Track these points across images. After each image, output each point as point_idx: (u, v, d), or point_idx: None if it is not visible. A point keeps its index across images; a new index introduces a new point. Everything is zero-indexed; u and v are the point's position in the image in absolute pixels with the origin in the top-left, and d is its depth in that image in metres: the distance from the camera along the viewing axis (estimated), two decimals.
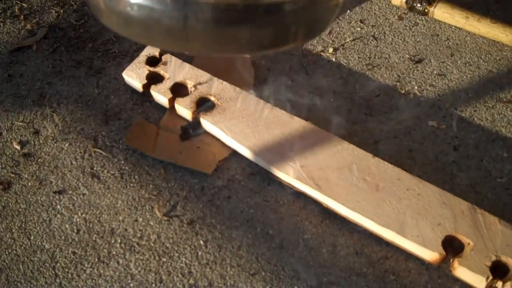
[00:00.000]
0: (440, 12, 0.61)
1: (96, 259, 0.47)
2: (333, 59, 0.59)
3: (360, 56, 0.59)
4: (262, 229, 0.49)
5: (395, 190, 0.48)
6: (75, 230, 0.49)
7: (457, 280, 0.45)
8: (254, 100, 0.54)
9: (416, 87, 0.57)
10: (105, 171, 0.52)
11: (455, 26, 0.62)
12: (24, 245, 0.48)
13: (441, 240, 0.45)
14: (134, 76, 0.56)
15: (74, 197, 0.51)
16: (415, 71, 0.58)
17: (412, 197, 0.47)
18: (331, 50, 0.59)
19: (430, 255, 0.45)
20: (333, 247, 0.47)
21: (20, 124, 0.56)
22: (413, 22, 0.62)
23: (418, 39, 0.61)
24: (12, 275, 0.47)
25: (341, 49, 0.60)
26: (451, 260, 0.45)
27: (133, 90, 0.57)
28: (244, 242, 0.48)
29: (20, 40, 0.63)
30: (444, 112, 0.55)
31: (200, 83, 0.55)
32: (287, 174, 0.49)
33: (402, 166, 0.50)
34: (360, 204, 0.47)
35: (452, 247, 0.46)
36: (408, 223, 0.46)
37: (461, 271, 0.45)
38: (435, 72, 0.58)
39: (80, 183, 0.52)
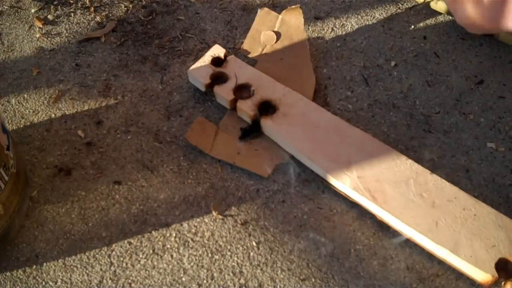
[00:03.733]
0: (505, 34, 0.61)
1: (151, 251, 0.49)
2: (395, 73, 0.59)
3: (421, 72, 0.58)
4: (315, 236, 0.49)
5: (451, 208, 0.48)
6: (132, 221, 0.50)
7: None
8: (314, 107, 0.55)
9: (476, 107, 0.56)
10: (164, 165, 0.54)
11: None
12: (82, 231, 0.50)
13: (494, 262, 0.45)
14: (198, 74, 0.57)
15: (133, 189, 0.52)
16: (476, 91, 0.58)
17: (468, 217, 0.47)
18: (393, 63, 0.59)
19: (482, 276, 0.45)
20: (384, 260, 0.48)
21: (85, 113, 0.58)
22: (477, 42, 0.62)
23: (481, 60, 0.60)
24: (69, 259, 0.48)
25: (402, 63, 0.60)
26: (503, 283, 0.45)
27: (195, 89, 0.59)
28: (296, 247, 0.49)
29: (89, 31, 0.65)
30: (504, 135, 0.54)
31: (262, 87, 0.56)
32: (343, 183, 0.49)
33: (458, 185, 0.50)
34: (415, 219, 0.47)
35: (505, 270, 0.46)
36: (462, 243, 0.46)
37: None
38: (496, 94, 0.57)
39: (139, 175, 0.53)
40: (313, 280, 0.47)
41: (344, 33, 0.63)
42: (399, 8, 0.65)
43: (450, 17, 0.63)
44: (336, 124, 0.53)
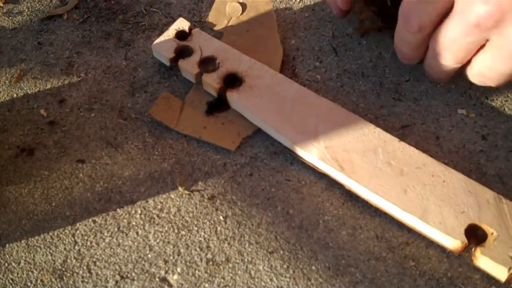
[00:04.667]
0: None
1: (116, 229, 0.48)
2: (364, 42, 0.58)
3: (391, 40, 0.57)
4: (283, 208, 0.48)
5: (420, 175, 0.47)
6: (97, 199, 0.49)
7: (478, 270, 0.45)
8: (281, 78, 0.54)
9: None
10: (129, 142, 0.52)
11: None
12: (45, 211, 0.49)
13: (464, 229, 0.44)
14: (162, 48, 0.56)
15: (97, 167, 0.51)
16: None
17: (437, 183, 0.47)
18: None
19: (452, 243, 0.44)
20: (353, 230, 0.47)
21: (48, 92, 0.56)
22: None
23: None
24: (32, 239, 0.47)
25: (372, 32, 0.58)
26: (473, 249, 0.45)
27: (160, 64, 0.57)
28: (264, 220, 0.48)
29: (51, 9, 0.63)
30: (475, 101, 0.53)
31: (228, 59, 0.54)
32: (310, 154, 0.49)
33: (428, 153, 0.49)
34: (383, 187, 0.46)
35: (475, 236, 0.45)
36: (431, 210, 0.45)
37: (483, 261, 0.44)
38: None
39: (103, 153, 0.52)
40: (281, 252, 0.46)
41: (312, 2, 0.62)
42: None
43: None
44: (304, 95, 0.52)
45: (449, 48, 0.45)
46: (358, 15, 0.57)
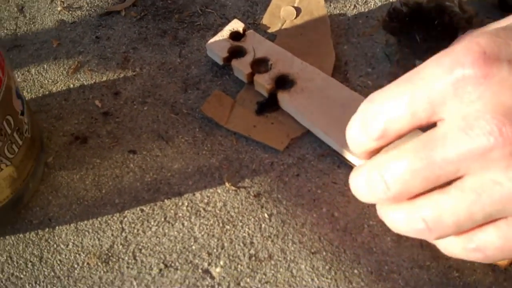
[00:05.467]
0: None
1: (163, 219, 0.48)
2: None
3: None
4: (328, 210, 0.48)
5: None
6: (145, 189, 0.50)
7: None
8: (332, 82, 0.54)
9: None
10: (180, 136, 0.53)
11: None
12: (95, 198, 0.50)
13: None
14: (216, 48, 0.57)
15: (148, 158, 0.52)
16: None
17: None
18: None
19: None
20: (398, 236, 0.47)
21: (103, 84, 0.58)
22: None
23: None
24: (81, 224, 0.49)
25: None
26: None
27: (213, 63, 0.58)
28: (308, 220, 0.48)
29: (110, 5, 0.65)
30: None
31: (280, 61, 0.55)
32: (358, 158, 0.49)
33: None
34: None
35: None
36: None
37: None
38: None
39: (154, 145, 0.53)
40: (324, 253, 0.46)
41: (367, 10, 0.62)
42: None
43: None
44: (354, 99, 0.53)
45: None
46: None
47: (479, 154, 0.27)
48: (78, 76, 0.59)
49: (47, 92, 0.58)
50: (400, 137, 0.31)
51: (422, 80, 0.29)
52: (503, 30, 0.29)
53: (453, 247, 0.32)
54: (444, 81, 0.28)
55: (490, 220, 0.29)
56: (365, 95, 0.54)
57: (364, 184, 0.32)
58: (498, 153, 0.27)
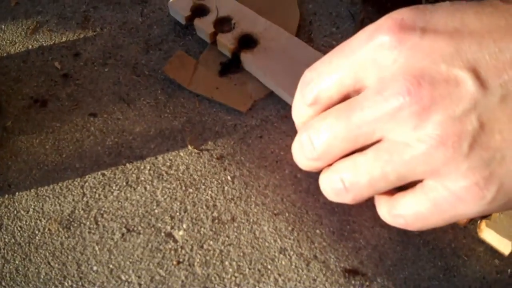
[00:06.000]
0: None
1: (124, 183, 0.48)
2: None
3: None
4: (291, 172, 0.48)
5: None
6: (107, 153, 0.50)
7: (482, 242, 0.45)
8: (297, 42, 0.53)
9: None
10: (141, 99, 0.53)
11: None
12: (55, 162, 0.49)
13: None
14: (179, 7, 0.55)
15: (109, 121, 0.51)
16: None
17: None
18: None
19: None
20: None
21: (63, 45, 0.56)
22: None
23: None
24: (42, 189, 0.48)
25: None
26: (479, 221, 0.45)
27: (176, 22, 0.57)
28: (271, 182, 0.48)
29: None
30: None
31: (243, 20, 0.54)
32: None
33: None
34: None
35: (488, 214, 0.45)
36: None
37: (487, 234, 0.44)
38: None
39: (115, 108, 0.52)
40: (286, 214, 0.46)
41: None
42: None
43: None
44: (318, 59, 0.52)
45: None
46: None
47: (391, 114, 0.29)
48: (37, 36, 0.57)
49: (5, 54, 0.56)
50: (333, 104, 0.33)
51: (349, 48, 0.31)
52: (429, 5, 0.30)
53: (382, 213, 0.34)
54: (365, 48, 0.30)
55: (406, 182, 0.31)
56: None
57: (297, 146, 0.34)
58: (406, 112, 0.28)
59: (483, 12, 0.29)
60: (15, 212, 0.47)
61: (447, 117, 0.28)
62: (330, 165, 0.34)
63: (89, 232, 0.46)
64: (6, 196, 0.48)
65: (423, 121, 0.28)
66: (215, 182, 0.48)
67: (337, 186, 0.33)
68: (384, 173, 0.30)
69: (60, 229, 0.46)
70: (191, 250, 0.45)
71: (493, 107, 0.28)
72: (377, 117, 0.29)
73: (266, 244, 0.45)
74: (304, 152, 0.34)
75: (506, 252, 0.43)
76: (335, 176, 0.33)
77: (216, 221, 0.46)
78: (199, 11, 0.56)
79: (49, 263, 0.44)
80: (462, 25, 0.29)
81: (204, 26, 0.54)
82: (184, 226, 0.46)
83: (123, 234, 0.46)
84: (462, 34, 0.29)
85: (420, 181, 0.31)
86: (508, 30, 0.28)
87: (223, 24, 0.55)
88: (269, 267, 0.44)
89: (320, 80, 0.33)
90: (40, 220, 0.46)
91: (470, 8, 0.29)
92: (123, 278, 0.44)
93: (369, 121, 0.30)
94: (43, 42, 0.57)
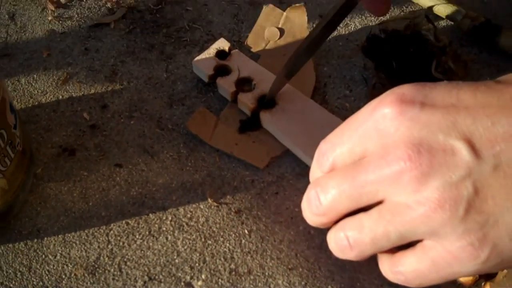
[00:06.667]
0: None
1: (147, 232, 0.51)
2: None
3: None
4: (304, 228, 0.51)
5: None
6: (131, 203, 0.52)
7: None
8: (312, 105, 0.57)
9: None
10: (165, 151, 0.56)
11: None
12: (82, 210, 0.52)
13: None
14: (202, 65, 0.59)
15: (133, 172, 0.54)
16: None
17: None
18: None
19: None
20: (370, 257, 0.49)
21: (91, 96, 0.60)
22: (477, 49, 0.63)
23: (477, 67, 0.62)
24: (69, 235, 0.51)
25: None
26: (483, 283, 0.47)
27: (199, 79, 0.60)
28: (286, 237, 0.51)
29: (99, 17, 0.67)
30: None
31: (263, 81, 0.58)
32: None
33: None
34: None
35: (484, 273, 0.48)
36: None
37: None
38: None
39: (140, 160, 0.55)
40: (300, 269, 0.49)
41: (347, 32, 0.65)
42: (402, 11, 0.67)
43: (451, 22, 0.65)
44: (332, 121, 0.55)
45: None
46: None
47: (393, 177, 0.32)
48: (67, 87, 0.61)
49: (36, 103, 0.59)
50: None
51: (357, 121, 0.35)
52: (430, 83, 0.34)
53: (384, 269, 0.37)
54: (370, 120, 0.33)
55: (407, 242, 0.34)
56: (343, 116, 0.57)
57: (305, 201, 0.38)
58: (407, 176, 0.31)
59: (478, 90, 0.32)
60: (43, 256, 0.49)
61: (444, 183, 0.31)
62: (336, 223, 0.37)
63: (113, 279, 0.48)
64: (35, 240, 0.50)
65: (422, 185, 0.31)
66: (233, 235, 0.51)
67: (342, 243, 0.36)
68: (386, 232, 0.33)
69: (86, 275, 0.48)
70: None
71: (486, 174, 0.31)
72: (380, 178, 0.33)
73: None
74: (311, 207, 0.37)
75: None
76: (340, 233, 0.36)
77: (233, 273, 0.49)
78: (221, 70, 0.59)
79: None
80: (458, 100, 0.32)
81: (226, 85, 0.58)
82: (203, 276, 0.49)
83: (145, 282, 0.48)
84: (457, 109, 0.32)
85: (419, 240, 0.34)
86: (500, 107, 0.32)
87: (244, 84, 0.58)
88: None
89: (334, 150, 0.36)
90: (67, 265, 0.49)
91: (465, 86, 0.33)
92: None
93: (373, 182, 0.33)
94: (73, 93, 0.60)
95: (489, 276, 0.47)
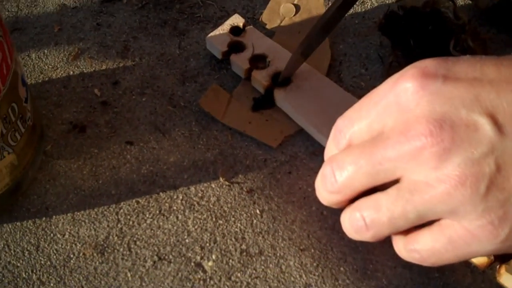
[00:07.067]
0: None
1: (157, 211, 0.50)
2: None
3: None
4: (317, 209, 0.50)
5: None
6: (141, 181, 0.52)
7: (501, 287, 0.46)
8: (327, 82, 0.55)
9: None
10: (176, 129, 0.55)
11: None
12: (92, 188, 0.51)
13: None
14: (216, 42, 0.58)
15: (144, 150, 0.54)
16: None
17: None
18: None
19: (477, 258, 0.46)
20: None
21: (102, 72, 0.59)
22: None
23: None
24: (78, 214, 0.50)
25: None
26: (498, 266, 0.46)
27: (212, 56, 0.59)
28: (298, 218, 0.50)
29: None
30: None
31: (278, 58, 0.56)
32: None
33: None
34: None
35: (501, 254, 0.46)
36: None
37: (506, 279, 0.45)
38: None
39: (151, 137, 0.54)
40: (312, 250, 0.48)
41: (363, 10, 0.63)
42: None
43: (470, 1, 0.63)
44: (347, 100, 0.54)
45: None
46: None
47: (413, 154, 0.31)
48: (78, 63, 0.60)
49: (46, 78, 0.58)
50: None
51: (376, 96, 0.34)
52: (451, 57, 0.33)
53: (398, 247, 0.36)
54: (390, 94, 0.33)
55: (424, 221, 0.33)
56: (358, 95, 0.56)
57: (319, 178, 0.37)
58: (427, 153, 0.30)
59: (502, 64, 0.31)
60: (52, 235, 0.49)
61: (466, 159, 0.30)
62: (351, 203, 0.36)
63: (122, 259, 0.48)
64: (44, 218, 0.50)
65: (443, 161, 0.30)
66: (244, 215, 0.50)
67: (358, 223, 0.35)
68: (404, 212, 0.32)
69: (95, 254, 0.48)
70: (219, 281, 0.47)
71: (509, 151, 0.30)
72: (399, 155, 0.31)
73: (292, 279, 0.47)
74: (326, 185, 0.36)
75: None
76: (356, 213, 0.35)
77: (244, 253, 0.48)
78: (235, 47, 0.58)
79: (82, 287, 0.46)
80: (481, 74, 0.31)
81: (240, 62, 0.56)
82: (214, 257, 0.48)
83: (154, 262, 0.48)
84: (481, 83, 0.31)
85: (437, 219, 0.33)
86: None
87: (258, 61, 0.57)
88: None
89: (351, 127, 0.35)
90: (76, 244, 0.48)
91: (489, 60, 0.32)
92: None
93: (391, 159, 0.32)
94: (84, 69, 0.59)
95: (504, 259, 0.46)
